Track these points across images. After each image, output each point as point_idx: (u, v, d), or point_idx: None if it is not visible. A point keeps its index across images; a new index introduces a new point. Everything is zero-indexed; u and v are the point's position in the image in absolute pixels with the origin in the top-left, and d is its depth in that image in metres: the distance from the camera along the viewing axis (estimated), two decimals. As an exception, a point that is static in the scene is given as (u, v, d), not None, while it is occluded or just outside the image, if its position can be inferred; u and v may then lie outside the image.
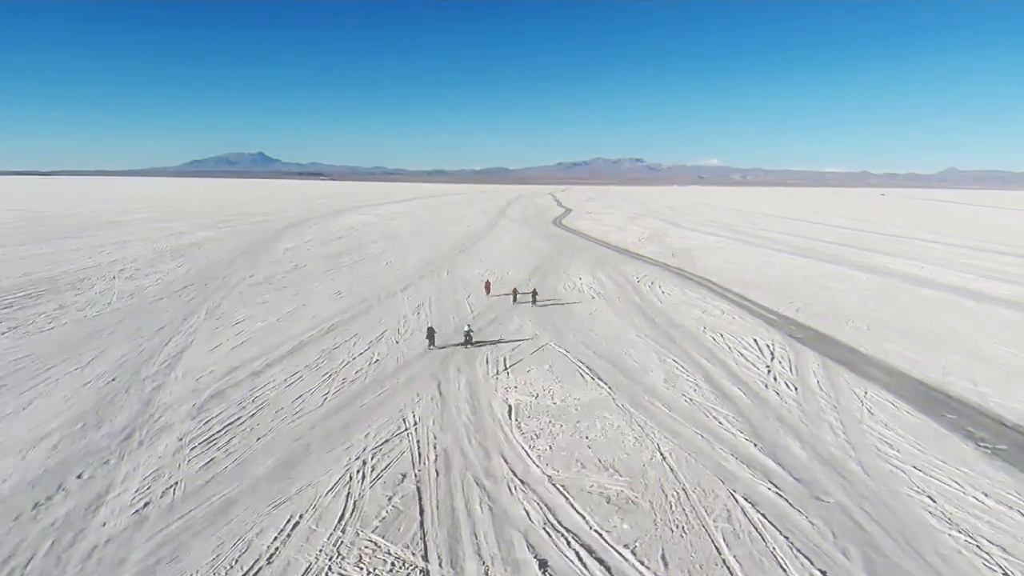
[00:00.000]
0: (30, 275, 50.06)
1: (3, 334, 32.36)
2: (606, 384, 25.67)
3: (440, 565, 13.78)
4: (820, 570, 13.90)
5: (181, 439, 20.32)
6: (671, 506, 16.29)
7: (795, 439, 20.74)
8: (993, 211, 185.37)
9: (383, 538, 14.69)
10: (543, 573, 13.58)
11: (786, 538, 15.05)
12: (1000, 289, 50.16)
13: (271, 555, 14.08)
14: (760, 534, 15.16)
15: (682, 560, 14.13)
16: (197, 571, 13.55)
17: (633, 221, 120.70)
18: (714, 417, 22.40)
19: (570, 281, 50.89)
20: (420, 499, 16.38)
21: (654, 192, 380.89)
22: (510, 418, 21.86)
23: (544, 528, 15.16)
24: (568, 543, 14.61)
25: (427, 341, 30.86)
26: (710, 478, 17.84)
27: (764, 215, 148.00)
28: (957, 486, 18.04)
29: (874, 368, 28.80)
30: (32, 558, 14.06)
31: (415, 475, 17.67)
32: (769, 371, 27.99)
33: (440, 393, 24.34)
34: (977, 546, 15.06)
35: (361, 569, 13.61)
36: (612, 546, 14.53)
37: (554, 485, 17.20)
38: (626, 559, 14.10)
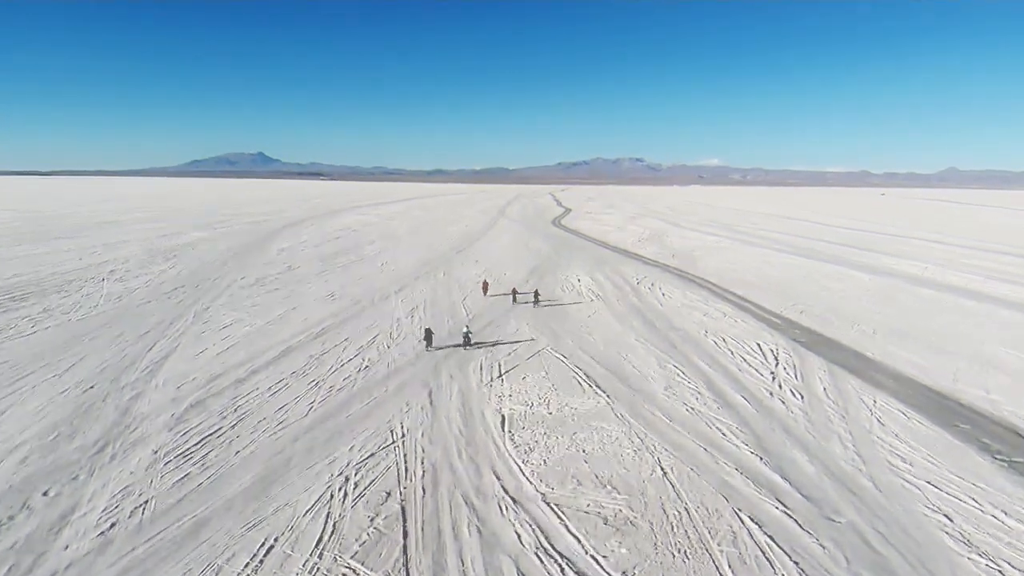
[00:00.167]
0: (18, 276, 49.04)
1: (-18, 339, 31.33)
2: (604, 392, 24.64)
3: (423, 595, 12.77)
4: (833, 600, 12.90)
5: (156, 452, 19.29)
6: (672, 527, 15.26)
7: (803, 452, 19.72)
8: (994, 211, 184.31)
9: (362, 565, 13.66)
10: (534, 604, 12.57)
11: (795, 563, 14.03)
12: (1004, 290, 49.12)
13: (241, 584, 13.06)
14: (768, 559, 14.14)
15: (684, 589, 13.13)
16: (160, 602, 12.54)
17: (633, 221, 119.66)
18: (717, 428, 21.37)
19: (568, 282, 49.86)
20: (404, 520, 15.35)
21: (654, 192, 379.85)
22: (503, 429, 20.82)
23: (536, 553, 14.13)
24: (562, 570, 13.59)
25: (424, 342, 30.45)
26: (714, 496, 16.82)
27: (764, 215, 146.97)
28: (975, 504, 17.02)
29: (882, 374, 27.77)
30: (-17, 587, 13.05)
31: (400, 493, 16.64)
32: (773, 377, 26.96)
33: (431, 402, 23.31)
34: (999, 572, 14.04)
35: (337, 600, 12.60)
36: (609, 573, 13.50)
37: (548, 504, 16.17)
38: (624, 588, 13.09)
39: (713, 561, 14.03)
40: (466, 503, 16.18)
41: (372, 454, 18.87)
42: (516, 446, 19.54)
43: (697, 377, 26.76)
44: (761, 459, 19.06)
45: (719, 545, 14.60)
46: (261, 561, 13.79)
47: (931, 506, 16.79)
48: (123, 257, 60.97)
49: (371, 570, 13.48)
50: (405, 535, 14.73)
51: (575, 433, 20.57)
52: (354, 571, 13.47)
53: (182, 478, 17.66)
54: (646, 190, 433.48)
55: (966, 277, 55.52)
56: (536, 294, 41.79)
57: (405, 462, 18.36)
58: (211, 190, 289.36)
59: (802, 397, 24.69)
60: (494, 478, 17.50)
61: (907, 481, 18.11)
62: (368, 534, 14.76)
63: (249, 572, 13.42)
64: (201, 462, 18.54)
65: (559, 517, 15.59)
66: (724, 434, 20.83)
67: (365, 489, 16.81)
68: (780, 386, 25.91)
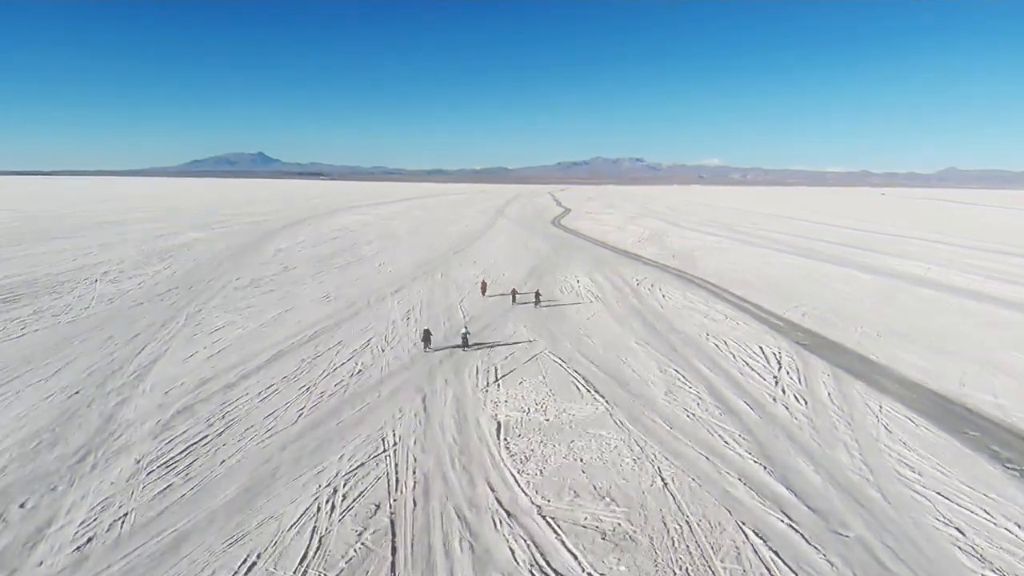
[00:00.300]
0: (11, 278, 48.38)
1: (-32, 342, 30.69)
2: (603, 397, 24.00)
3: (411, 617, 12.13)
4: (843, 622, 12.26)
5: (139, 461, 18.65)
6: (673, 543, 14.62)
7: (808, 461, 19.07)
8: (995, 211, 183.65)
9: (348, 583, 13.02)
10: (528, 627, 11.94)
11: (802, 581, 13.39)
12: (1007, 291, 48.49)
13: (220, 604, 12.43)
14: (773, 577, 13.49)
15: (686, 610, 12.48)
16: (133, 625, 11.90)
17: (633, 221, 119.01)
18: (719, 435, 20.73)
19: (567, 283, 49.22)
20: (393, 535, 14.70)
21: (654, 192, 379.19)
22: (498, 437, 20.17)
23: (531, 571, 13.48)
24: (557, 589, 12.95)
25: (423, 343, 30.04)
26: (716, 508, 16.17)
27: (765, 215, 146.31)
28: (987, 516, 16.38)
29: (887, 379, 27.13)
30: (-51, 608, 12.41)
31: (390, 506, 15.99)
32: (776, 382, 26.32)
33: (425, 408, 22.66)
34: (1016, 590, 13.40)
35: (321, 622, 11.96)
36: (607, 592, 12.87)
37: (544, 518, 15.52)
38: (623, 609, 12.45)
39: (716, 579, 13.39)
40: (458, 516, 15.53)
41: (362, 464, 18.23)
42: (511, 455, 18.89)
43: (698, 381, 26.12)
44: (765, 468, 18.42)
45: (722, 562, 13.96)
46: (242, 579, 13.16)
47: (942, 519, 16.15)
48: (118, 258, 60.32)
49: (357, 589, 12.85)
50: (394, 551, 14.09)
51: (572, 441, 19.92)
52: (339, 590, 12.84)
53: (164, 489, 17.02)
54: (646, 190, 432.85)
55: (969, 278, 54.91)
56: (537, 294, 41.49)
57: (396, 472, 17.72)
58: (210, 190, 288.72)
59: (806, 402, 24.05)
60: (488, 489, 16.86)
61: (916, 492, 17.47)
62: (355, 550, 14.12)
63: (229, 592, 12.79)
64: (185, 472, 17.90)
65: (555, 532, 14.95)
66: (726, 442, 20.18)
67: (353, 501, 16.16)
68: (783, 391, 25.27)
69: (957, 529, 15.69)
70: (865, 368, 28.59)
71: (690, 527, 15.26)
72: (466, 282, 49.32)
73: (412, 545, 14.33)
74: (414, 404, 23.00)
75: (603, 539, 14.70)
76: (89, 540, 14.75)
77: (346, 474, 17.60)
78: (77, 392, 24.35)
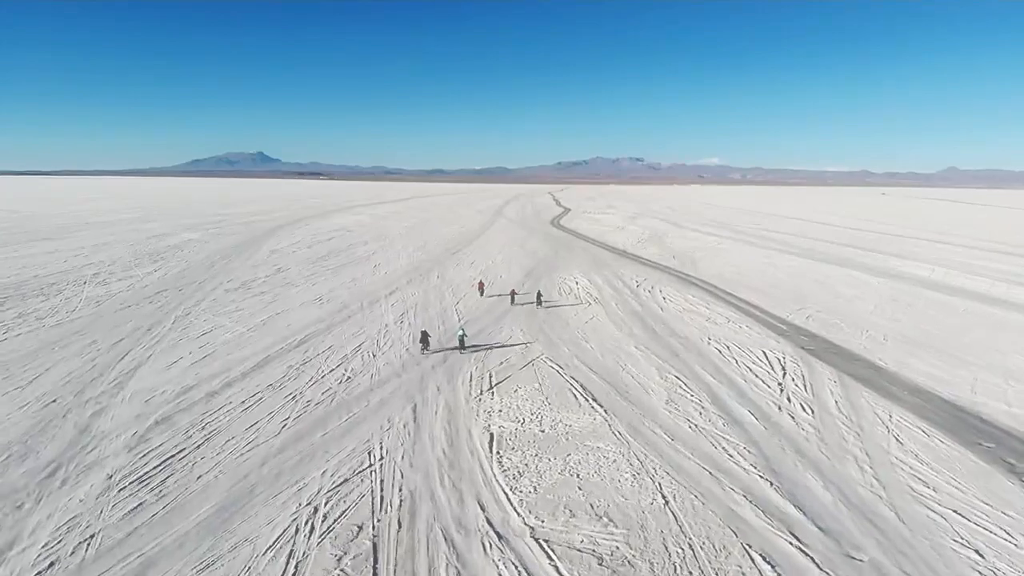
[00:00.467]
0: (-3, 280, 47.40)
1: (-55, 347, 29.71)
2: (601, 407, 23.00)
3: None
4: (860, 660, 11.27)
5: (111, 477, 17.67)
6: (675, 569, 13.63)
7: (816, 476, 18.09)
8: (996, 210, 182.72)
9: (324, 616, 12.04)
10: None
11: (815, 613, 12.41)
12: (1017, 294, 47.51)
13: (184, 641, 11.45)
14: (783, 607, 12.51)
15: (689, 646, 11.50)
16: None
17: (632, 221, 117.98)
18: (723, 448, 19.74)
19: (566, 286, 48.23)
20: (375, 560, 13.71)
21: (654, 191, 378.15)
22: (491, 451, 19.18)
23: (521, 601, 12.51)
24: (550, 622, 11.97)
25: (420, 345, 29.56)
26: (720, 529, 15.18)
27: (766, 215, 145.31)
28: (1007, 536, 15.42)
29: (897, 386, 26.14)
30: None
31: (373, 527, 14.99)
32: (782, 390, 25.34)
33: (415, 419, 21.67)
34: (1045, 621, 12.42)
35: (292, 662, 10.97)
36: (604, 626, 11.89)
37: (537, 540, 14.53)
38: (621, 645, 11.47)
39: (721, 610, 12.42)
40: (446, 539, 14.53)
41: (346, 480, 17.23)
42: (504, 470, 17.89)
43: (700, 389, 25.13)
44: (772, 484, 17.43)
45: (728, 590, 12.98)
46: (210, 611, 12.18)
47: (960, 540, 15.19)
48: (109, 259, 59.30)
49: (333, 623, 11.87)
50: (375, 579, 13.11)
51: (569, 455, 18.92)
52: (314, 624, 11.86)
53: (136, 508, 16.04)
54: (646, 190, 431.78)
55: (975, 279, 53.95)
56: (539, 295, 41.37)
57: (381, 490, 16.72)
58: (209, 190, 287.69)
59: (813, 412, 23.07)
60: (478, 509, 15.86)
61: (932, 510, 16.49)
62: (333, 578, 13.14)
63: (194, 626, 11.80)
64: (158, 489, 16.92)
65: (549, 556, 13.96)
66: (730, 455, 19.20)
67: (335, 522, 15.17)
68: (789, 399, 24.29)
69: (976, 552, 14.73)
70: (873, 374, 27.62)
71: (693, 551, 14.28)
72: (462, 284, 48.36)
73: (395, 572, 13.34)
74: (404, 414, 22.00)
75: (600, 564, 13.72)
76: (51, 565, 13.79)
77: (328, 491, 16.60)
78: (54, 401, 23.37)
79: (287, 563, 13.61)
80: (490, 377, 26.19)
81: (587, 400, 23.66)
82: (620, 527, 15.14)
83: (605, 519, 15.45)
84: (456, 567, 13.55)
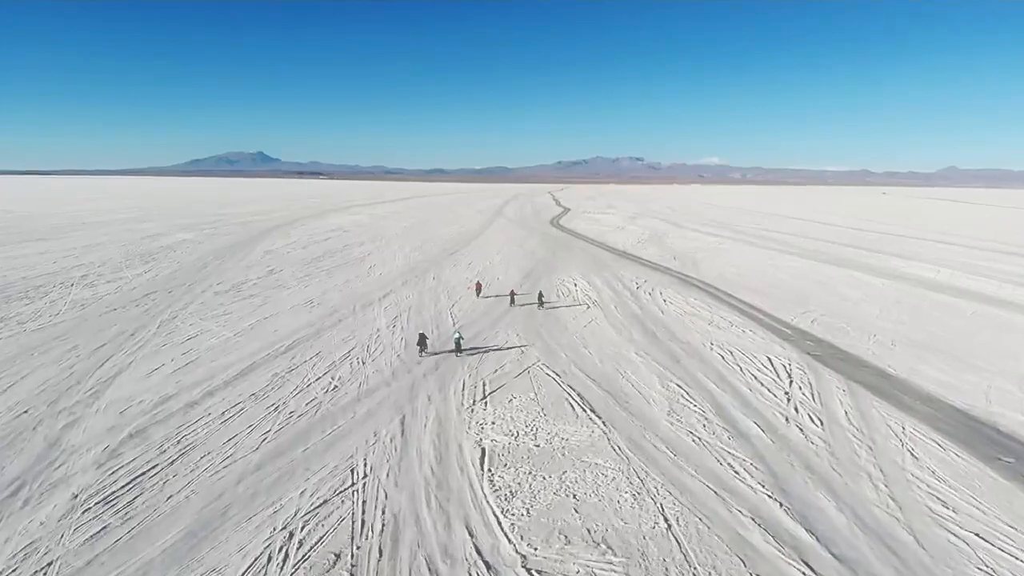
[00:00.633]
0: (-17, 282, 46.27)
1: (-82, 354, 28.60)
2: (600, 418, 21.88)
3: None
4: None
5: (76, 496, 16.56)
6: (679, 604, 12.52)
7: (829, 495, 16.97)
8: (997, 210, 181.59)
9: (292, 661, 10.93)
10: None
11: (833, 655, 11.29)
12: (1022, 295, 46.45)
13: None
14: (798, 649, 11.40)
15: None
16: None
17: (632, 221, 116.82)
18: (728, 463, 18.63)
19: (565, 287, 47.10)
20: (352, 595, 12.61)
21: (654, 191, 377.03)
22: (482, 468, 18.05)
23: (510, 643, 11.39)
24: (541, 668, 10.85)
25: (418, 347, 29.04)
26: (727, 557, 14.07)
27: (766, 214, 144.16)
28: (1035, 563, 14.29)
29: (908, 395, 25.03)
30: None
31: (352, 555, 13.87)
32: (788, 399, 24.22)
33: (402, 432, 20.54)
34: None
35: None
36: (601, 673, 10.77)
37: (528, 571, 13.41)
38: None
39: (730, 652, 11.31)
40: (430, 570, 13.42)
41: (325, 501, 16.11)
42: (495, 490, 16.77)
43: (703, 399, 24.02)
44: (781, 505, 16.31)
45: (737, 629, 11.87)
46: (167, 655, 11.07)
47: (985, 568, 14.11)
48: (100, 260, 58.18)
49: (301, 670, 10.75)
50: (351, 617, 12.00)
51: (565, 472, 17.80)
52: (281, 671, 10.75)
53: (99, 531, 14.93)
54: (646, 189, 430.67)
55: (981, 281, 52.85)
56: (540, 296, 40.87)
57: (363, 512, 15.59)
58: (209, 190, 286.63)
59: (821, 423, 21.96)
60: (467, 535, 14.73)
61: (953, 534, 15.38)
62: (305, 615, 12.03)
63: (149, 672, 10.69)
64: (125, 510, 15.80)
65: (541, 589, 12.85)
66: (736, 472, 18.08)
67: (310, 550, 14.05)
68: (796, 409, 23.17)
69: (1004, 581, 13.62)
70: (882, 382, 26.51)
71: (698, 582, 13.17)
72: (459, 286, 47.25)
73: (373, 608, 12.24)
74: (391, 427, 20.87)
75: (597, 599, 12.61)
76: (0, 598, 12.68)
77: (306, 514, 15.48)
78: (25, 412, 22.25)
79: (256, 598, 12.51)
80: (484, 386, 25.07)
81: (585, 411, 22.54)
82: (619, 555, 14.02)
83: (603, 546, 14.33)
84: (440, 602, 12.44)
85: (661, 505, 16.13)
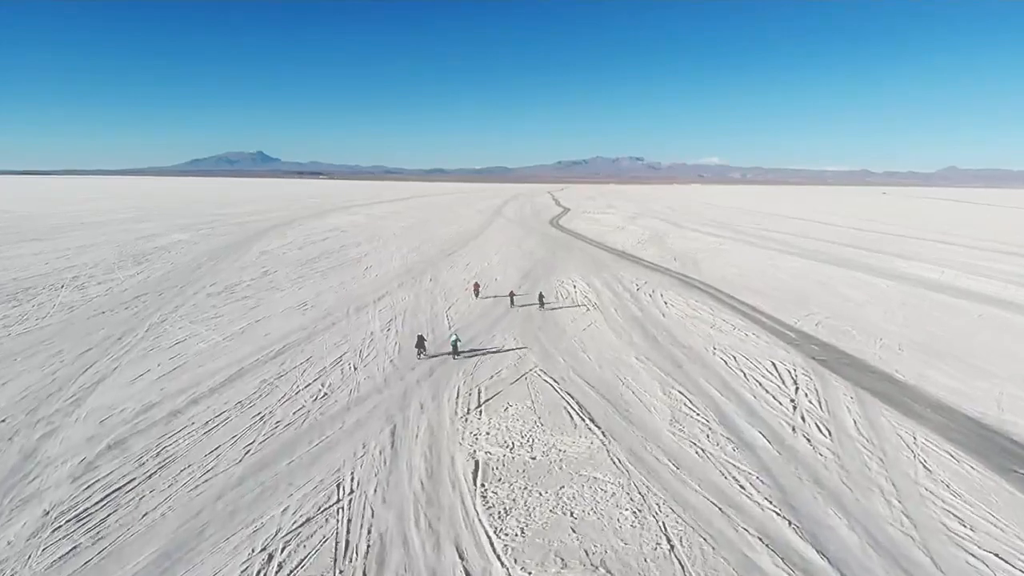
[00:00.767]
0: (-30, 284, 45.43)
1: None
2: (599, 428, 21.03)
3: None
4: None
5: (48, 513, 15.73)
6: (683, 635, 11.68)
7: (839, 512, 16.13)
8: (998, 210, 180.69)
9: None
10: None
11: None
12: (1034, 298, 45.59)
13: None
14: None
15: None
16: None
17: (632, 221, 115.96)
18: (733, 477, 17.78)
19: (564, 289, 46.25)
20: (333, 625, 11.77)
21: (654, 191, 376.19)
22: (475, 482, 17.20)
23: None
24: None
25: (416, 350, 28.75)
26: (734, 582, 13.23)
27: (766, 214, 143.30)
28: (1061, 586, 13.46)
29: (918, 403, 24.18)
30: None
31: (334, 580, 13.03)
32: (795, 407, 23.37)
33: (392, 443, 19.69)
34: None
35: None
36: None
37: (522, 598, 12.57)
38: None
39: None
40: (416, 596, 12.59)
41: (308, 519, 15.26)
42: (488, 507, 15.91)
43: (707, 407, 23.17)
44: (790, 524, 15.46)
45: (745, 663, 11.03)
46: None
47: (1008, 592, 13.24)
48: (92, 261, 57.33)
49: None
50: (330, 651, 11.16)
51: (562, 487, 16.95)
52: None
53: (68, 552, 14.10)
54: (646, 189, 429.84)
55: (986, 282, 52.00)
56: (541, 297, 40.48)
57: (347, 532, 14.74)
58: (210, 190, 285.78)
59: (829, 433, 21.12)
60: (457, 557, 13.89)
61: (971, 554, 14.55)
62: (281, 649, 11.19)
63: None
64: (97, 529, 14.96)
65: (536, 618, 12.01)
66: (743, 487, 17.23)
67: (291, 574, 13.20)
68: (803, 418, 22.32)
69: (1029, 608, 12.77)
70: (891, 389, 25.67)
71: (703, 610, 12.33)
72: (456, 287, 46.42)
73: (354, 641, 11.40)
74: (381, 438, 20.02)
75: (595, 629, 11.77)
76: (-44, 628, 11.84)
77: (287, 534, 14.63)
78: (3, 420, 21.42)
79: (229, 628, 11.67)
80: (479, 393, 24.22)
81: (583, 420, 21.69)
82: (619, 580, 13.17)
83: (602, 570, 13.48)
84: (427, 634, 11.60)
85: (663, 524, 15.28)
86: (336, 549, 14.05)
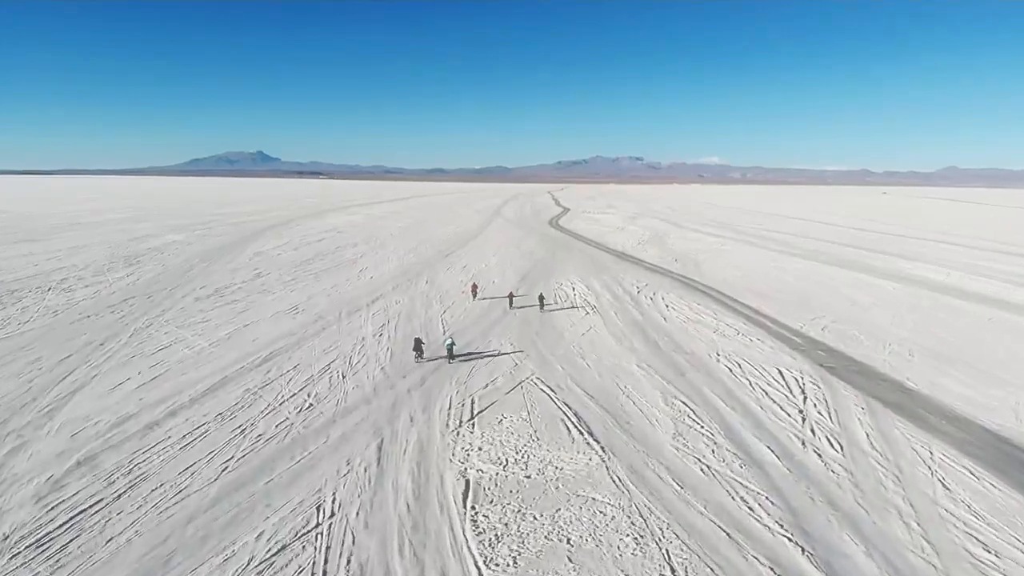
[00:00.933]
0: (-45, 286, 44.32)
1: None
2: (598, 443, 19.94)
3: None
4: None
5: (7, 538, 14.63)
6: None
7: (856, 537, 15.03)
8: (999, 210, 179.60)
9: None
10: None
11: None
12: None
13: None
14: None
15: None
16: None
17: (632, 221, 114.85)
18: (741, 498, 16.68)
19: (563, 292, 45.16)
20: (303, 672, 10.67)
21: (654, 191, 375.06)
22: (465, 504, 16.10)
23: None
24: None
25: (414, 353, 28.19)
26: (745, 619, 12.13)
27: (767, 214, 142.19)
28: (1098, 621, 12.36)
29: (933, 414, 23.09)
30: None
31: (308, 618, 11.94)
32: (804, 419, 22.28)
33: (378, 460, 18.59)
34: None
35: None
36: None
37: (512, 640, 11.48)
38: None
39: None
40: (397, 638, 11.49)
41: (284, 546, 14.16)
42: (479, 532, 14.81)
43: (711, 419, 22.08)
44: (803, 551, 14.36)
45: None
46: None
47: (1042, 629, 12.14)
48: (82, 263, 56.21)
49: None
50: None
51: (558, 510, 15.84)
52: None
53: (22, 584, 12.99)
54: (646, 189, 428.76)
55: (992, 284, 50.95)
56: (541, 299, 39.79)
57: (325, 561, 13.64)
58: (210, 189, 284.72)
59: (841, 448, 20.03)
60: (442, 590, 12.81)
61: (1000, 585, 13.44)
62: None
63: None
64: (56, 556, 13.87)
65: (527, 664, 10.92)
66: (751, 508, 16.14)
67: (261, 611, 12.13)
68: (813, 431, 21.23)
69: (1066, 647, 11.68)
70: (903, 399, 24.58)
71: (712, 653, 11.24)
72: (452, 290, 45.33)
73: None
74: (367, 454, 18.91)
75: (593, 676, 10.68)
76: None
77: (260, 563, 13.53)
78: (-30, 433, 20.32)
79: (189, 676, 10.57)
80: (472, 404, 23.13)
81: (582, 434, 20.59)
82: (619, 617, 12.08)
83: (600, 605, 12.39)
84: None
85: (667, 552, 14.18)
86: (312, 581, 12.94)
